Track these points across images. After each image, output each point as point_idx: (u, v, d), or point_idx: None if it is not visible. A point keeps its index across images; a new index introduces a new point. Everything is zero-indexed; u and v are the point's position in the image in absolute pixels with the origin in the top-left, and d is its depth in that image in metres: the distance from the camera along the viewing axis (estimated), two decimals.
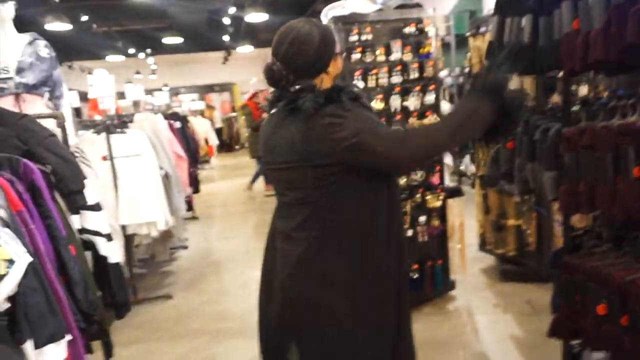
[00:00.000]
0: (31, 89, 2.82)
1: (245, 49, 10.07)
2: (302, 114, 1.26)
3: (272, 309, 1.40)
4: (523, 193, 2.51)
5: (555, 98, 2.32)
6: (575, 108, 1.74)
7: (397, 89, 2.88)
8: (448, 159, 3.27)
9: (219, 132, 13.88)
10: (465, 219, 3.28)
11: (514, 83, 2.88)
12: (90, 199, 1.87)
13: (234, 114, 15.90)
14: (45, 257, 1.41)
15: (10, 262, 1.24)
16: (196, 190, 5.68)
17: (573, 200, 1.54)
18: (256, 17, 7.17)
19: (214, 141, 10.83)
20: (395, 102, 2.88)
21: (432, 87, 2.94)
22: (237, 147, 15.65)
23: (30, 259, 1.31)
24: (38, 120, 1.78)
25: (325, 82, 1.35)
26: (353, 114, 1.28)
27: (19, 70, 2.73)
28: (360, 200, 1.33)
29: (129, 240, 3.61)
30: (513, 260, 3.43)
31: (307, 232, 1.33)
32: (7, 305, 1.27)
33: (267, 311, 1.44)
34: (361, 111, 1.32)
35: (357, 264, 1.33)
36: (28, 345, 1.30)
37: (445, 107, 4.91)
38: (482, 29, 3.21)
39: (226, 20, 8.39)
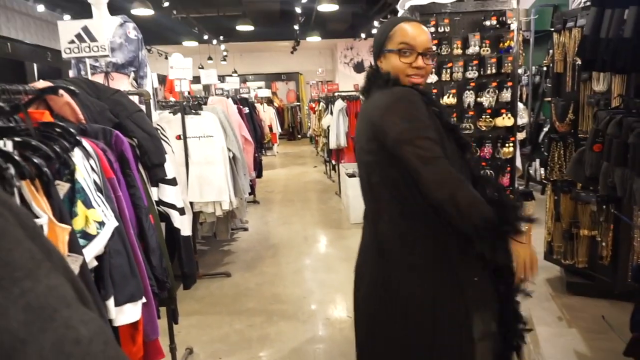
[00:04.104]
0: (119, 68, 3.03)
1: (313, 39, 10.17)
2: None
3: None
4: (607, 201, 2.33)
5: None
6: None
7: (472, 84, 2.79)
8: (517, 162, 3.12)
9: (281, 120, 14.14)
10: (533, 226, 3.12)
11: (604, 82, 2.68)
12: (169, 173, 1.98)
13: (298, 103, 16.11)
14: (129, 223, 1.51)
15: (101, 224, 1.34)
16: (259, 174, 5.85)
17: None
18: (327, 7, 7.25)
19: (278, 129, 11.06)
20: (469, 97, 2.80)
21: (509, 84, 2.82)
22: (299, 136, 15.87)
23: (117, 223, 1.41)
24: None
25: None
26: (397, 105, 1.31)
27: (110, 50, 2.94)
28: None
29: (194, 217, 3.79)
30: (583, 273, 3.23)
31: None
32: (95, 263, 1.39)
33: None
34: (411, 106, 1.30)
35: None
36: (110, 303, 1.41)
37: (520, 106, 4.68)
38: (570, 24, 3.00)
39: (297, 10, 8.51)
